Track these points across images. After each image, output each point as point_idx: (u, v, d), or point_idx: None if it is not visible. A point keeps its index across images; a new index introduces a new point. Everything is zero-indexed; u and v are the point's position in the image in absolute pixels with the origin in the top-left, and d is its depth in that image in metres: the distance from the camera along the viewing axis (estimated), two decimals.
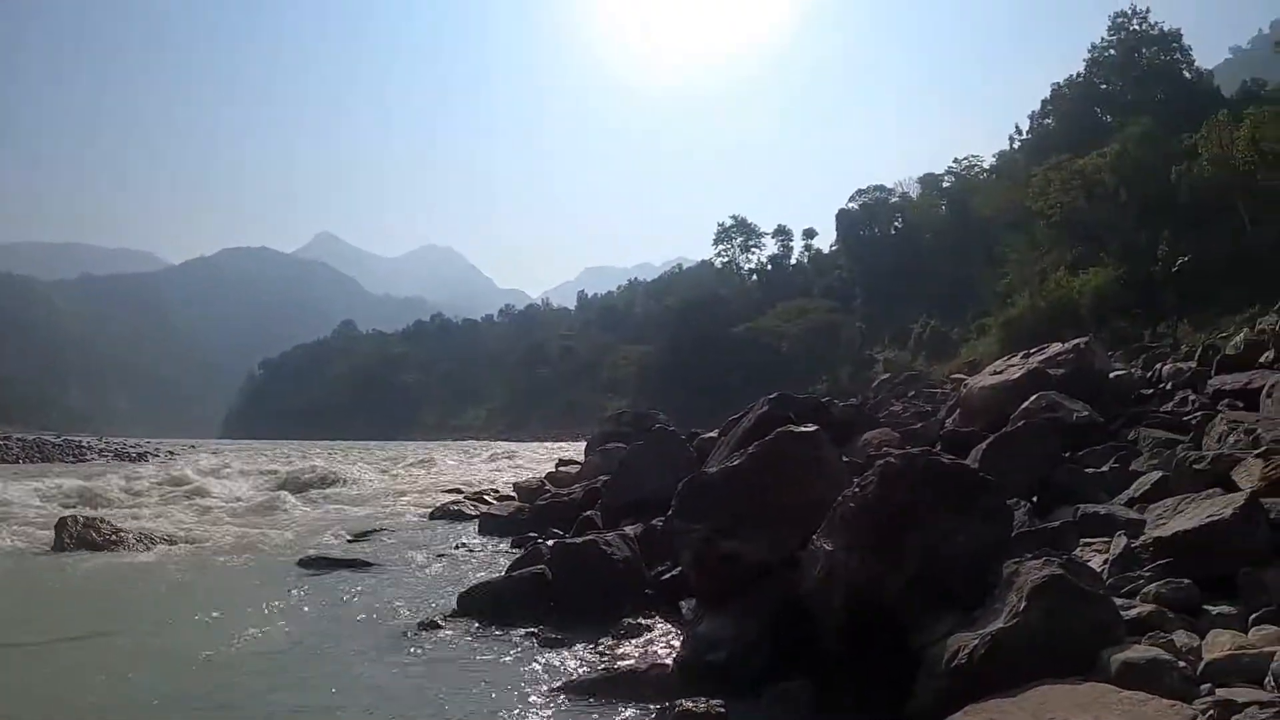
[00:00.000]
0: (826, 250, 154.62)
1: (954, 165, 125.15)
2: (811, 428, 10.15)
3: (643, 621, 10.48)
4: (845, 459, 11.68)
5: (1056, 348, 19.37)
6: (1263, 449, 10.68)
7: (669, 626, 10.39)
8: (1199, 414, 15.26)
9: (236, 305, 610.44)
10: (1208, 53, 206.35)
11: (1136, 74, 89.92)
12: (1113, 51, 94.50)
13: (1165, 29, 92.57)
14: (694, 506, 9.55)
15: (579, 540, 12.52)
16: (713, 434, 21.90)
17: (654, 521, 13.66)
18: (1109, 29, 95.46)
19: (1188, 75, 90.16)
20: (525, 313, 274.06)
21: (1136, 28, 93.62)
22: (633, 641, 9.86)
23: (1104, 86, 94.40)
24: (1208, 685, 5.79)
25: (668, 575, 11.51)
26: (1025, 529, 9.74)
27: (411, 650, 9.81)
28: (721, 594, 8.95)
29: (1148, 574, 7.81)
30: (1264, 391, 14.73)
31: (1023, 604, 6.35)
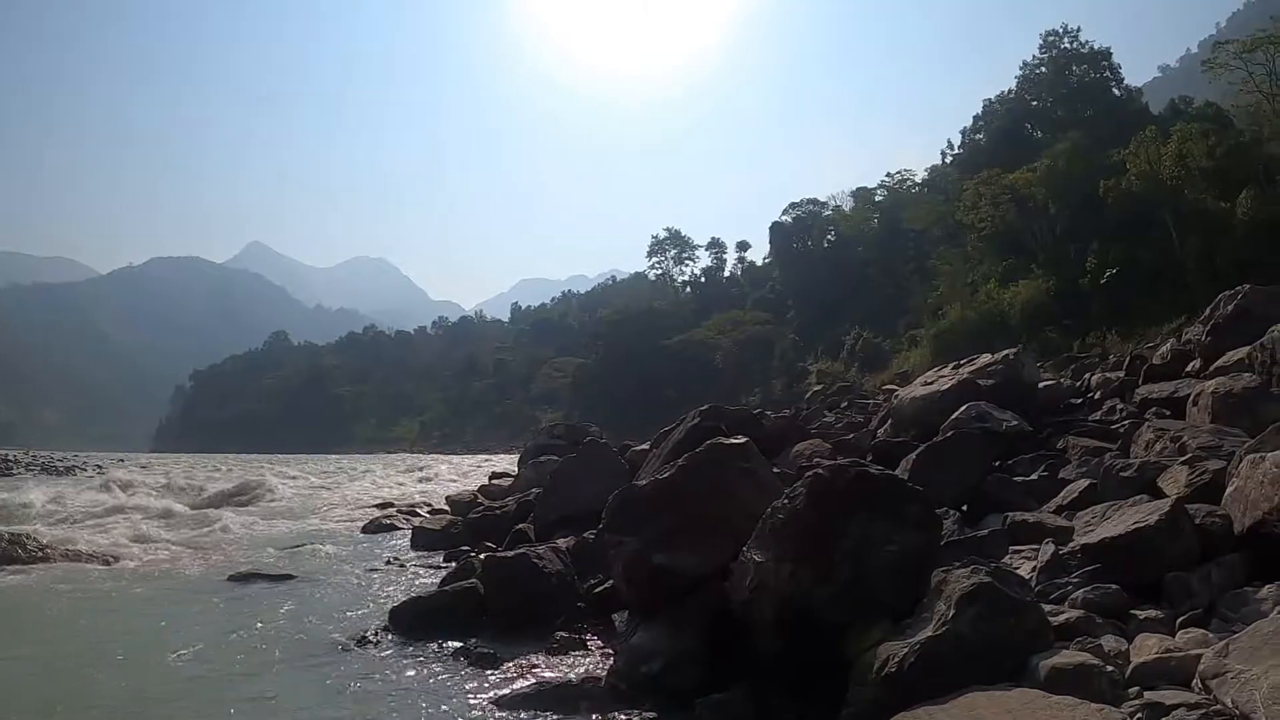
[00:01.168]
0: (760, 263, 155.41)
1: (886, 179, 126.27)
2: (742, 439, 10.15)
3: (576, 635, 10.43)
4: (777, 470, 11.67)
5: (986, 359, 19.53)
6: (1188, 457, 10.84)
7: (602, 640, 10.37)
8: (1127, 423, 15.44)
9: (166, 315, 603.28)
10: (1137, 71, 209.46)
11: (1067, 91, 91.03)
12: (1044, 69, 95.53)
13: (1095, 48, 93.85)
14: (625, 519, 9.51)
15: (511, 554, 12.47)
16: (645, 446, 21.88)
17: (586, 534, 13.66)
18: (1040, 47, 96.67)
19: (1117, 93, 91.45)
20: (459, 325, 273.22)
21: (1067, 46, 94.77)
22: (566, 655, 9.83)
23: (1035, 103, 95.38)
24: (1136, 688, 5.85)
25: (600, 588, 11.45)
26: (955, 537, 9.82)
27: (343, 667, 9.69)
28: (654, 606, 8.92)
29: (1076, 580, 7.91)
30: (1190, 400, 14.94)
31: (951, 612, 6.39)
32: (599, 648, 10.09)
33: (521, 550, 12.56)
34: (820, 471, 8.02)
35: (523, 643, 10.17)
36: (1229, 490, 8.67)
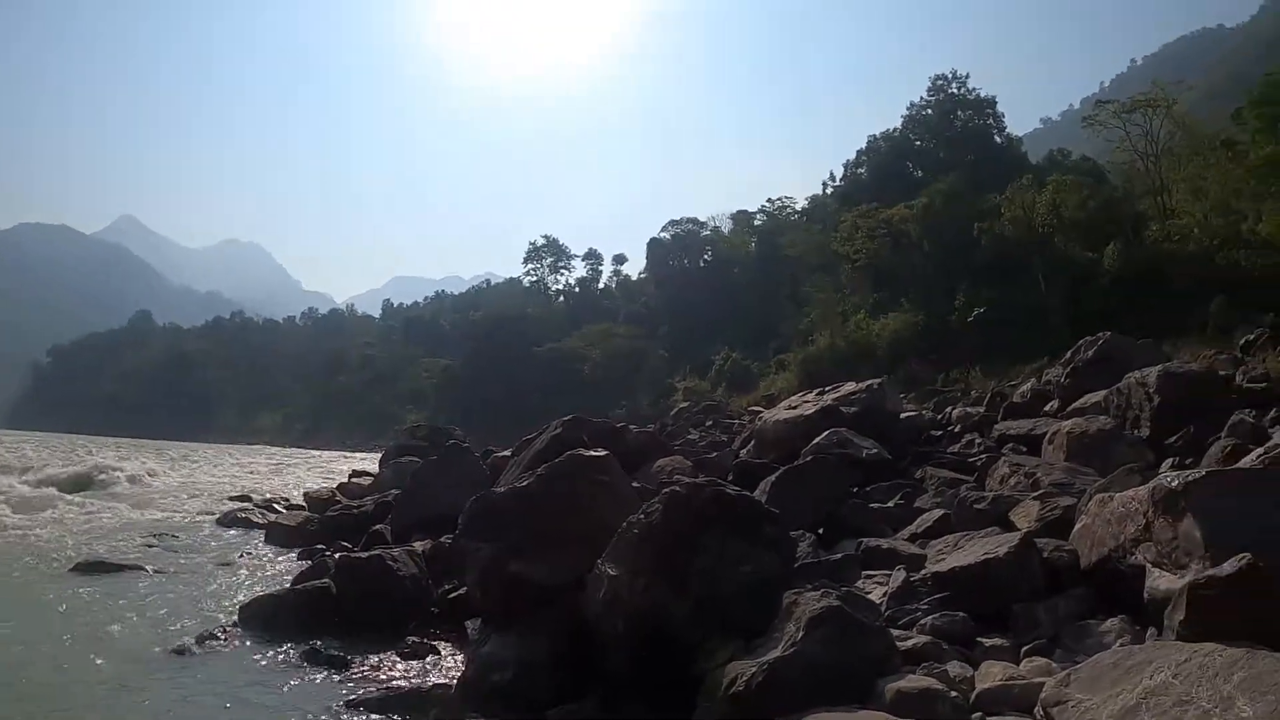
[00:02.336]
0: (635, 277, 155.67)
1: (767, 205, 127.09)
2: (602, 452, 10.17)
3: (428, 640, 10.36)
4: (637, 485, 11.72)
5: (850, 387, 19.82)
6: (1040, 492, 11.11)
7: (454, 646, 10.29)
8: (984, 456, 15.83)
9: (28, 285, 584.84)
10: (1020, 121, 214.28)
11: (950, 134, 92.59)
12: (930, 111, 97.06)
13: (982, 95, 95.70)
14: (482, 525, 9.46)
15: (365, 555, 12.34)
16: (507, 452, 21.80)
17: (444, 539, 13.54)
18: (929, 90, 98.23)
19: (998, 140, 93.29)
20: (329, 317, 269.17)
21: (954, 91, 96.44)
22: (417, 660, 9.75)
23: (918, 143, 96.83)
24: (979, 714, 5.97)
25: (455, 594, 11.34)
26: (809, 560, 9.91)
27: (185, 668, 9.44)
28: (507, 615, 8.87)
29: (925, 607, 8.04)
30: (1046, 438, 15.34)
31: (800, 634, 6.45)
32: (451, 654, 10.01)
33: (377, 552, 12.42)
34: (677, 489, 8.07)
35: (374, 646, 10.06)
36: (1077, 526, 8.90)
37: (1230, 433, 13.63)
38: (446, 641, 10.45)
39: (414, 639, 10.29)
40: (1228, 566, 6.11)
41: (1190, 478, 7.70)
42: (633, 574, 7.73)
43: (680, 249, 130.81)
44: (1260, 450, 10.54)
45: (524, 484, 9.69)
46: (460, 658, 9.72)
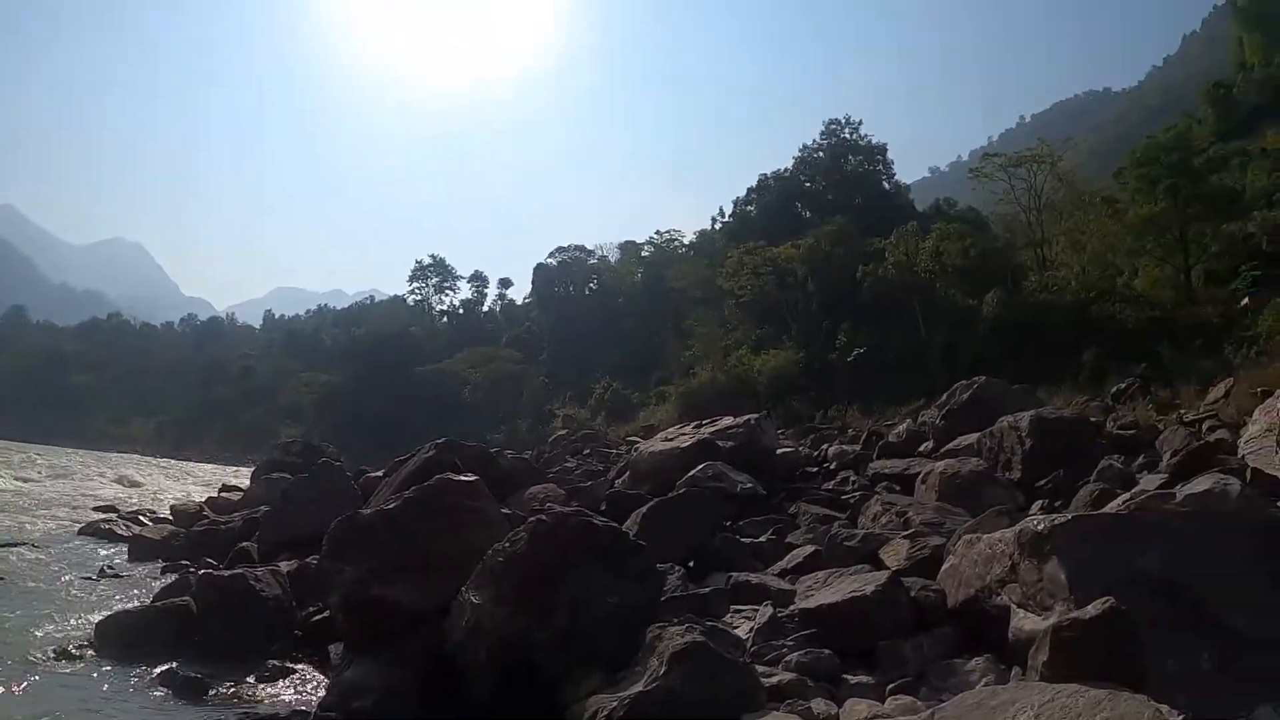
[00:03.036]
0: (520, 301, 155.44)
1: (655, 237, 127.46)
2: (472, 477, 10.04)
3: (290, 664, 10.08)
4: (507, 511, 11.60)
5: (728, 421, 19.85)
6: (911, 531, 11.18)
7: (317, 671, 10.02)
8: (858, 494, 15.90)
9: None
10: (909, 169, 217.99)
11: (840, 177, 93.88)
12: (821, 154, 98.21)
13: (873, 141, 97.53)
14: (347, 547, 9.26)
15: (227, 573, 11.98)
16: (380, 473, 21.48)
17: (310, 559, 13.20)
18: (821, 133, 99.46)
19: (887, 186, 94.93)
20: (208, 325, 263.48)
21: (847, 136, 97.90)
22: (277, 684, 9.50)
23: (808, 184, 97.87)
24: None
25: (319, 617, 11.06)
26: (678, 593, 9.83)
27: (34, 688, 9.04)
28: (371, 639, 8.68)
29: (792, 643, 8.02)
30: (919, 478, 15.48)
31: (663, 668, 6.39)
32: (313, 679, 9.75)
33: (240, 571, 12.07)
34: (544, 518, 8.01)
35: (234, 669, 9.76)
36: (945, 566, 8.99)
37: (1099, 477, 13.88)
38: (309, 666, 10.18)
39: (275, 662, 10.00)
40: (1091, 609, 6.18)
41: (1055, 522, 7.82)
42: (496, 602, 7.64)
43: (566, 276, 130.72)
44: (1126, 495, 10.71)
45: (391, 506, 9.53)
46: (322, 683, 9.46)
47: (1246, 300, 44.35)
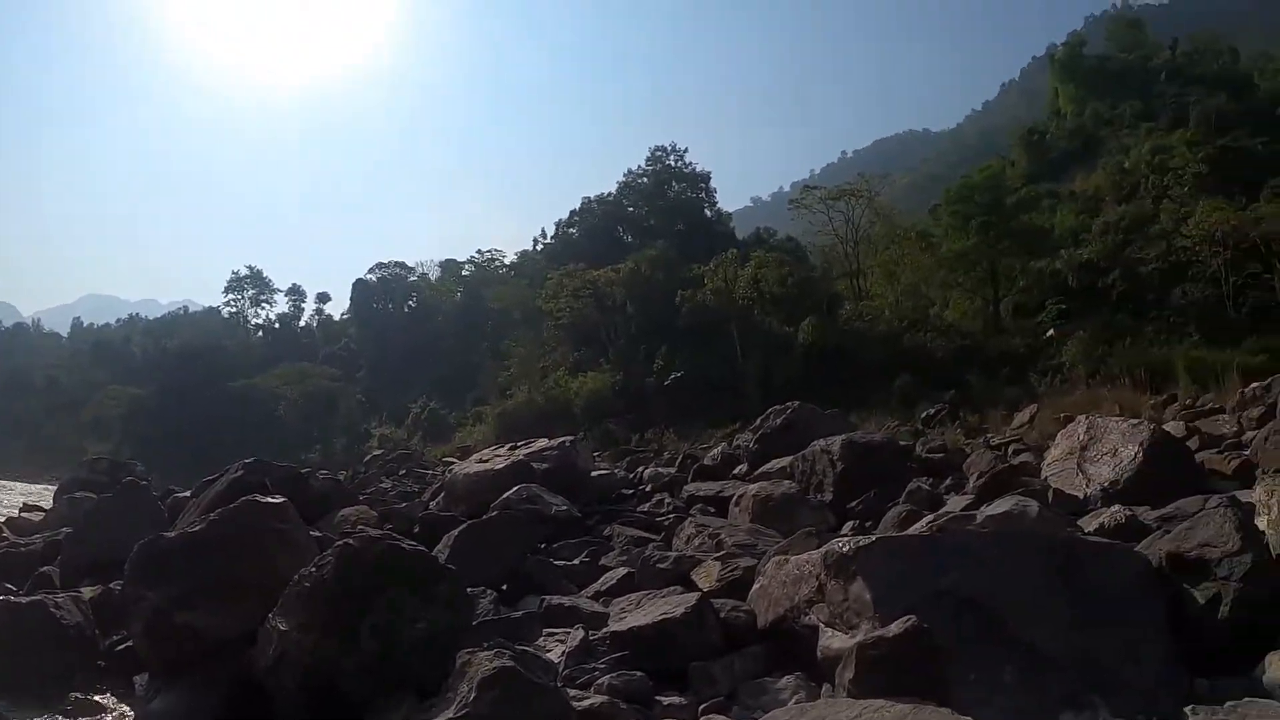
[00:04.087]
0: (338, 317, 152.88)
1: (477, 256, 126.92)
2: (279, 499, 9.80)
3: (93, 698, 9.55)
4: (318, 534, 11.33)
5: (543, 443, 19.88)
6: (723, 552, 11.26)
7: (121, 703, 9.49)
8: (672, 516, 15.99)
9: None
10: (732, 198, 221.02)
11: (663, 203, 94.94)
12: (646, 179, 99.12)
13: (697, 170, 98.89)
14: (150, 572, 8.93)
15: (25, 600, 11.33)
16: (188, 493, 20.80)
17: (114, 584, 12.67)
18: (647, 159, 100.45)
19: (709, 213, 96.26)
20: (12, 331, 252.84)
21: (672, 163, 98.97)
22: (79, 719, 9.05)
23: (631, 209, 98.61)
24: None
25: (123, 646, 10.46)
26: (490, 617, 9.73)
27: None
28: (177, 668, 8.40)
29: (604, 665, 8.02)
30: (733, 500, 15.62)
31: (472, 694, 6.32)
32: (117, 711, 9.28)
33: (38, 597, 11.42)
34: (350, 541, 7.86)
35: (32, 703, 9.25)
36: (755, 587, 9.10)
37: (908, 499, 14.19)
38: (113, 698, 9.65)
39: (78, 695, 9.48)
40: (894, 628, 6.34)
41: (860, 543, 8.02)
42: (303, 629, 7.47)
43: (385, 292, 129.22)
44: (931, 516, 10.97)
45: (196, 529, 9.24)
46: (128, 716, 9.04)
47: (1052, 332, 46.18)
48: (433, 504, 19.42)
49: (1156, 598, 8.02)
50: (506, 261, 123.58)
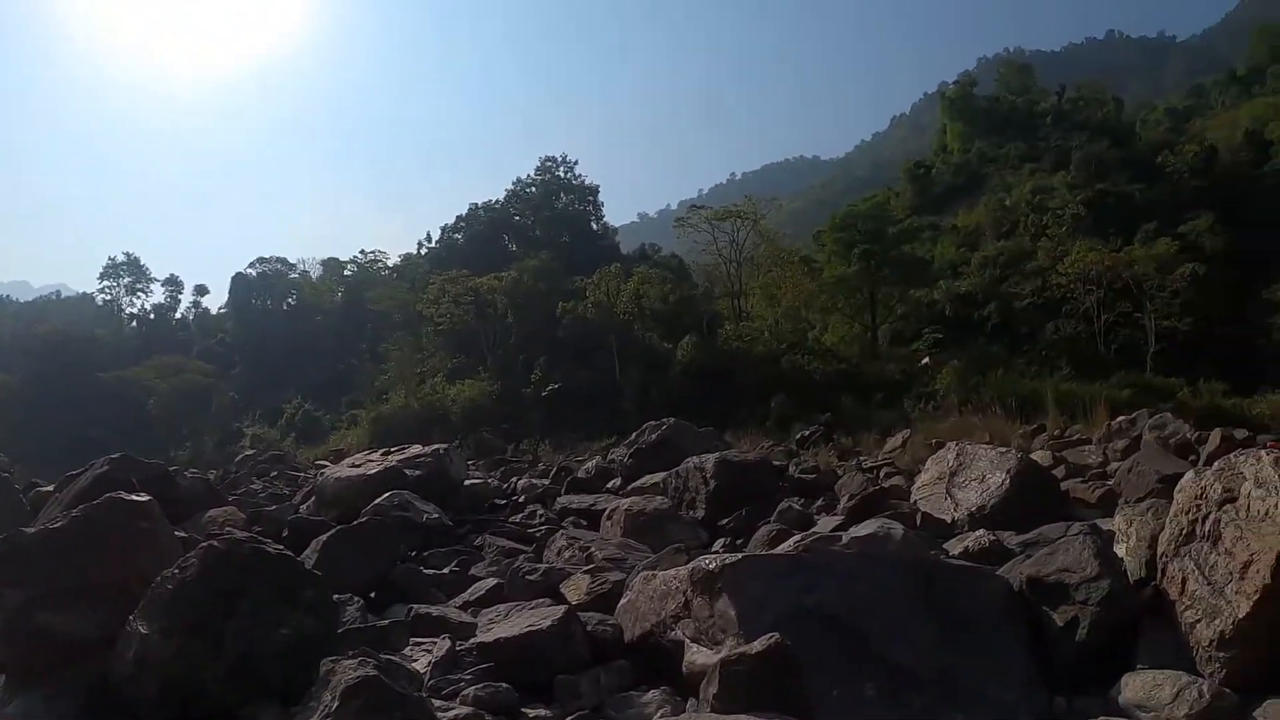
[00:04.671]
0: (216, 311, 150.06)
1: (360, 256, 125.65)
2: (145, 497, 9.60)
3: None
4: (184, 535, 11.14)
5: (417, 449, 19.74)
6: (593, 566, 11.28)
7: None
8: (544, 528, 15.98)
9: None
10: (619, 212, 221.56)
11: (550, 214, 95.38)
12: (534, 189, 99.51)
13: (586, 183, 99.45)
14: (8, 570, 8.65)
15: None
16: (51, 488, 20.32)
17: None
18: (537, 169, 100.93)
19: (595, 227, 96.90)
20: None
21: (561, 175, 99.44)
22: None
23: (517, 218, 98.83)
24: None
25: None
26: (356, 625, 9.61)
27: None
28: (34, 671, 8.15)
29: (470, 677, 7.98)
30: (606, 514, 15.64)
31: (335, 704, 6.25)
32: None
33: None
34: (215, 543, 7.75)
35: None
36: (623, 601, 9.16)
37: (779, 518, 14.35)
38: None
39: None
40: (757, 644, 6.44)
41: (726, 561, 8.18)
42: (165, 633, 7.32)
43: (265, 288, 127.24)
44: (799, 536, 11.10)
45: (58, 525, 9.00)
46: None
47: (927, 360, 47.14)
48: (303, 507, 19.15)
49: (1017, 619, 8.28)
50: (389, 263, 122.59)
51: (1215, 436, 19.26)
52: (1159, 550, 8.41)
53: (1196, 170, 67.70)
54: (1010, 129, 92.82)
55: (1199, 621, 7.55)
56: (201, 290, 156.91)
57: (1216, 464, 8.48)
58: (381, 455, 19.74)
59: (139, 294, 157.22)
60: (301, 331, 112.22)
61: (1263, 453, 8.26)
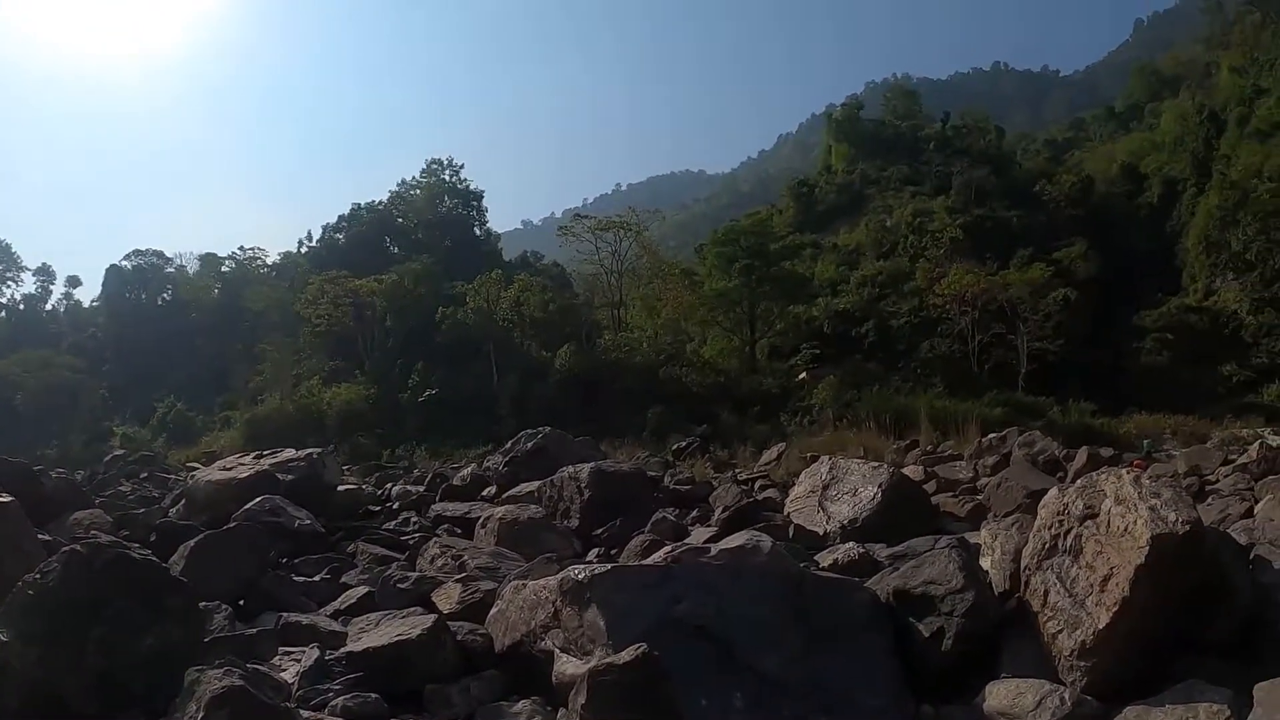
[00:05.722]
0: (89, 304, 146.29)
1: (239, 252, 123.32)
2: (7, 498, 9.40)
3: None
4: (47, 538, 10.91)
5: (290, 453, 19.53)
6: (465, 575, 11.24)
7: None
8: (418, 535, 15.95)
9: None
10: (503, 218, 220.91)
11: (434, 218, 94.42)
12: (419, 191, 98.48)
13: (472, 187, 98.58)
14: None
15: None
16: None
17: None
18: (422, 171, 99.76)
19: (478, 233, 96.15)
20: None
21: (447, 178, 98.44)
22: None
23: (400, 220, 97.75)
24: None
25: None
26: (224, 634, 9.47)
27: None
28: None
29: (339, 686, 7.91)
30: (480, 522, 15.63)
31: (200, 714, 6.19)
32: None
33: None
34: (78, 548, 7.60)
35: None
36: (493, 611, 9.17)
37: (653, 529, 14.48)
38: None
39: None
40: (625, 655, 6.51)
41: (596, 571, 8.30)
42: (25, 641, 7.14)
43: (140, 282, 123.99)
44: (670, 547, 11.16)
45: None
46: None
47: (804, 375, 47.68)
48: (173, 511, 18.81)
49: (884, 629, 8.51)
50: (269, 261, 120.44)
51: (1082, 454, 19.88)
52: (1023, 563, 8.69)
53: (1073, 199, 70.31)
54: (894, 153, 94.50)
55: (1060, 632, 7.84)
56: (74, 281, 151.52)
57: (1079, 481, 8.77)
58: (254, 458, 19.48)
59: (9, 283, 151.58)
60: (176, 328, 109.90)
61: (1123, 471, 8.55)
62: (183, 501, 19.02)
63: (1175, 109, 79.66)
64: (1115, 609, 7.45)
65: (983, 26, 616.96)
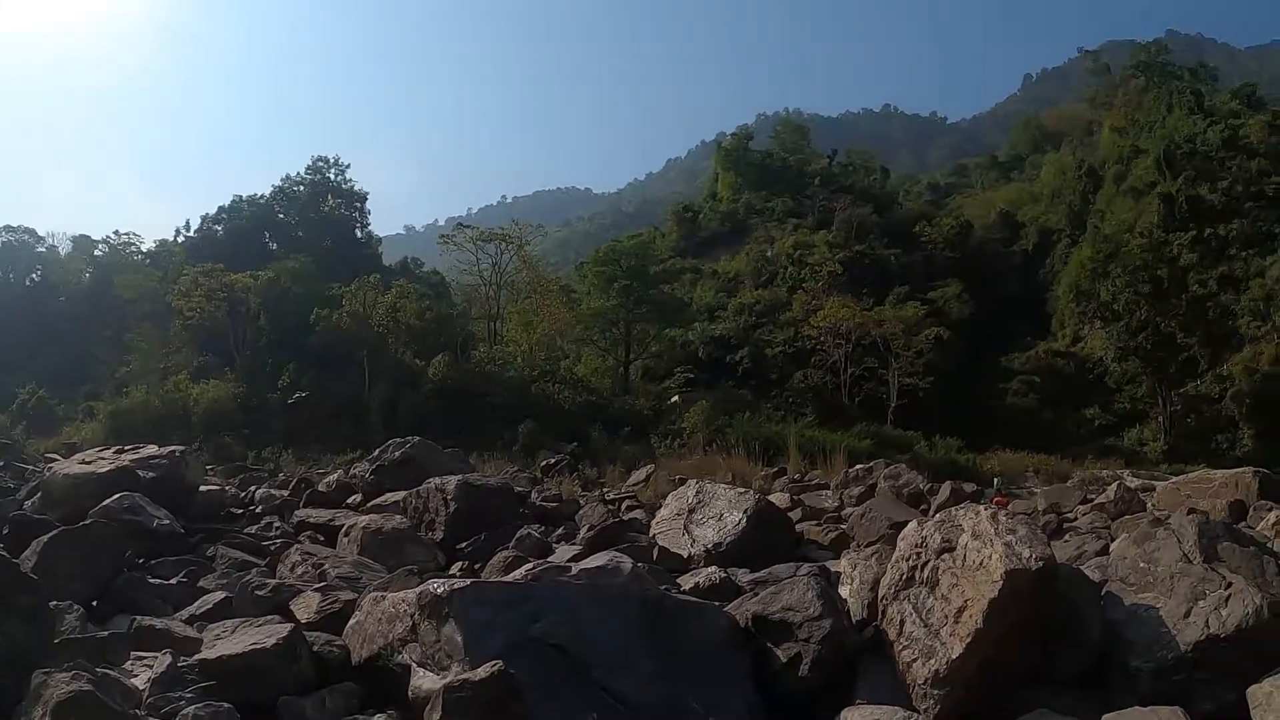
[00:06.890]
0: None
1: (112, 237, 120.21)
2: None
3: None
4: None
5: (152, 450, 19.22)
6: (325, 584, 11.18)
7: None
8: (280, 541, 15.79)
9: None
10: (386, 222, 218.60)
11: (315, 216, 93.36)
12: (302, 188, 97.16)
13: (356, 188, 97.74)
14: None
15: None
16: None
17: None
18: (308, 168, 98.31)
19: (360, 235, 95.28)
20: None
21: (331, 177, 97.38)
22: None
23: (282, 216, 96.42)
24: None
25: None
26: (75, 635, 9.28)
27: None
28: None
29: (191, 695, 7.78)
30: (343, 531, 15.52)
31: (47, 719, 6.07)
32: None
33: None
34: None
35: None
36: (351, 622, 9.13)
37: (517, 545, 14.54)
38: None
39: None
40: (480, 671, 6.60)
41: (455, 586, 8.33)
42: None
43: (9, 260, 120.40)
44: (531, 564, 11.24)
45: None
46: None
47: (677, 398, 48.08)
48: (28, 504, 18.34)
49: (741, 654, 8.69)
50: (144, 248, 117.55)
51: (946, 489, 20.43)
52: (880, 593, 8.93)
53: (951, 242, 72.72)
54: (780, 184, 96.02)
55: (915, 661, 8.06)
56: None
57: (937, 515, 9.04)
58: (115, 453, 19.09)
59: None
60: (43, 311, 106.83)
61: (980, 507, 8.82)
62: (39, 494, 18.55)
63: (1056, 162, 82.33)
64: (969, 640, 7.70)
65: (877, 68, 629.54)
